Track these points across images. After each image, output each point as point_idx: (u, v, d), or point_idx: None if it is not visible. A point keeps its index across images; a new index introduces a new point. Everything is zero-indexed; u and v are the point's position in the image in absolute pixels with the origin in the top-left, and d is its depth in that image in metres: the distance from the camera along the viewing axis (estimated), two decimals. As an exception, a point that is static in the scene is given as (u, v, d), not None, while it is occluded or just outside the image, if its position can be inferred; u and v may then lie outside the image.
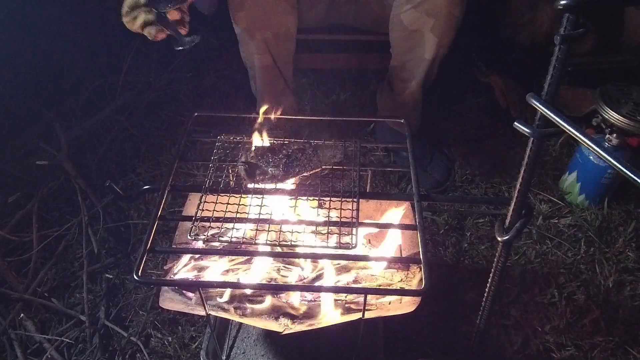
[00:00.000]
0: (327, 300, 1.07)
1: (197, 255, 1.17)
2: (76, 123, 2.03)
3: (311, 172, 1.07)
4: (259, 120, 1.13)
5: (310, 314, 1.07)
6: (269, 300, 1.08)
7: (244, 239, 1.03)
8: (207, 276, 1.12)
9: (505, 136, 1.98)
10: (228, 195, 1.04)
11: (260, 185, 1.05)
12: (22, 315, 1.44)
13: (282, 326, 1.04)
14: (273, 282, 1.12)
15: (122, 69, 2.23)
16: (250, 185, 1.05)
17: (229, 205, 1.03)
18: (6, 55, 2.08)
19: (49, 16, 2.15)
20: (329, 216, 1.03)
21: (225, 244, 1.01)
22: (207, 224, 1.00)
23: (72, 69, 2.26)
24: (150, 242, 0.94)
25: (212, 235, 1.13)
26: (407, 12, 1.55)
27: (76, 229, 1.67)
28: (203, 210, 1.00)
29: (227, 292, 1.09)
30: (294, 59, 1.78)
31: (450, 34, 1.57)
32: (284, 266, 1.15)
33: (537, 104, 0.70)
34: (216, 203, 1.02)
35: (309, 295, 1.11)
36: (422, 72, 1.66)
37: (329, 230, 1.00)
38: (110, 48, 2.33)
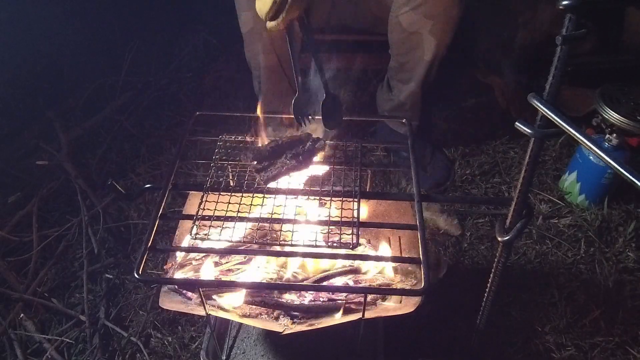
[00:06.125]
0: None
1: (197, 256, 1.17)
2: (76, 123, 2.04)
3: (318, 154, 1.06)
4: (262, 121, 1.13)
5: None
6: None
7: (244, 239, 1.03)
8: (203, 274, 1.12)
9: (505, 136, 1.98)
10: (229, 194, 1.04)
11: (261, 185, 1.05)
12: (22, 315, 1.44)
13: (282, 326, 1.04)
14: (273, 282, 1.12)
15: (122, 69, 2.23)
16: (248, 186, 1.05)
17: (230, 205, 1.03)
18: (6, 56, 2.08)
19: (49, 16, 2.16)
20: (329, 216, 1.03)
21: (225, 243, 1.01)
22: (208, 223, 1.00)
23: (72, 69, 2.26)
24: (151, 240, 0.94)
25: (213, 234, 1.13)
26: (405, 14, 1.55)
27: (76, 229, 1.67)
28: (204, 209, 1.00)
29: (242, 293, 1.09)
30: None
31: (449, 35, 1.57)
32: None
33: (539, 104, 0.70)
34: (217, 202, 1.02)
35: (309, 295, 1.11)
36: (421, 73, 1.66)
37: (330, 230, 1.00)
38: (110, 48, 2.33)
